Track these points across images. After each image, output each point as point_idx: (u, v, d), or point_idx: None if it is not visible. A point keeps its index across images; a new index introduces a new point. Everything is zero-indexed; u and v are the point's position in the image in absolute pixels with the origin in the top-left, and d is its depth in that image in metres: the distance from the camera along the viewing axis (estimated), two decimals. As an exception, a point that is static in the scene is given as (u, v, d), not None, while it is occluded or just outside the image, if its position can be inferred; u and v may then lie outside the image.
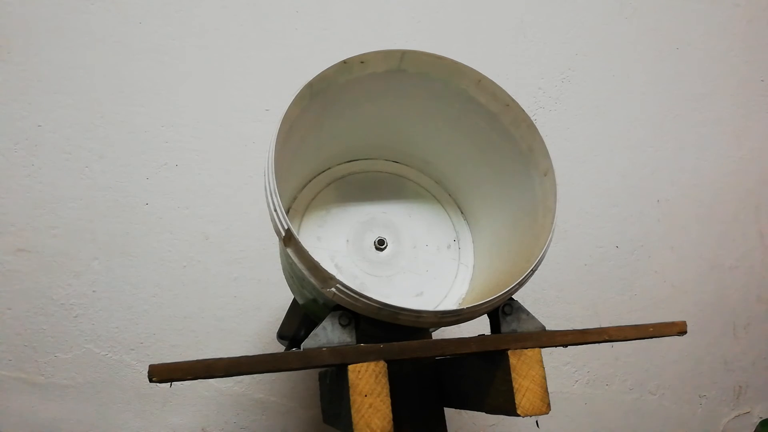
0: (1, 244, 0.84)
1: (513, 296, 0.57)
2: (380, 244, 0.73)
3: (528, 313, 0.58)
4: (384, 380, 0.50)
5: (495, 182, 0.70)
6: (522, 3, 1.20)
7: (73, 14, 0.95)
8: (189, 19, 1.00)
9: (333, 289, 0.51)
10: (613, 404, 1.04)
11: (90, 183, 0.89)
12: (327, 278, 0.52)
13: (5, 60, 0.91)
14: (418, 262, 0.73)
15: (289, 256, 0.52)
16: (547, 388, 0.54)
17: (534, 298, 1.04)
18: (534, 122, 0.62)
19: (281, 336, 0.79)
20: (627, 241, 1.12)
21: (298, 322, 0.74)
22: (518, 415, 0.52)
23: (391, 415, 0.49)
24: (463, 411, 0.88)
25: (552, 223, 0.60)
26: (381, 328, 0.57)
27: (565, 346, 0.57)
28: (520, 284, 0.56)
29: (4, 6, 0.93)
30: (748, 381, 1.12)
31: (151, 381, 0.45)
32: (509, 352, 0.54)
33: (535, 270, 0.57)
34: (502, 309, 0.57)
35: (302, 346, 0.51)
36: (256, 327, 0.90)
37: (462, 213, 0.77)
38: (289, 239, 0.52)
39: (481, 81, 0.63)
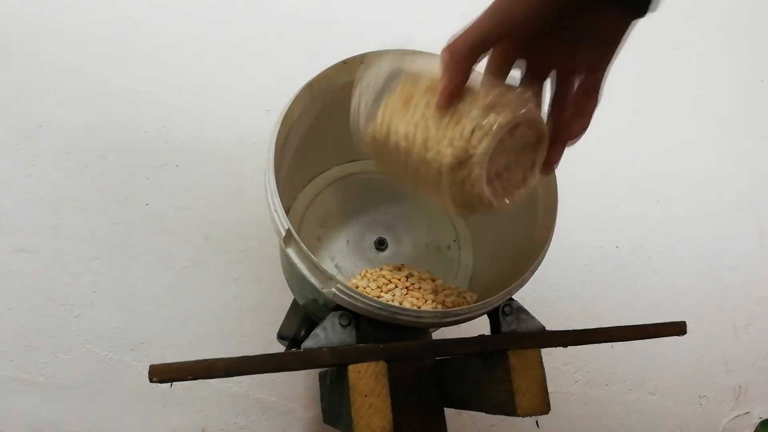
0: (1, 244, 0.84)
1: (513, 296, 0.57)
2: (380, 245, 0.73)
3: (528, 314, 0.58)
4: (384, 380, 0.50)
5: (495, 182, 0.69)
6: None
7: (73, 14, 0.95)
8: (191, 20, 1.00)
9: (333, 290, 0.51)
10: (613, 404, 1.04)
11: (90, 183, 0.89)
12: (327, 278, 0.52)
13: (5, 60, 0.91)
14: (419, 263, 0.73)
15: (289, 257, 0.53)
16: (546, 388, 0.54)
17: (534, 298, 1.04)
18: (534, 122, 0.62)
19: (281, 336, 0.79)
20: (627, 241, 1.12)
21: (299, 323, 0.74)
22: (518, 416, 0.52)
23: (391, 415, 0.49)
24: (463, 411, 0.88)
25: (552, 223, 0.60)
26: (381, 328, 0.57)
27: (565, 346, 0.57)
28: (520, 284, 0.57)
29: (4, 6, 0.93)
30: (748, 381, 1.12)
31: (151, 381, 0.45)
32: (509, 353, 0.54)
33: (535, 270, 0.57)
34: (502, 309, 0.57)
35: (302, 346, 0.51)
36: (256, 327, 0.90)
37: (462, 213, 0.77)
38: (289, 239, 0.53)
39: (481, 81, 0.63)
